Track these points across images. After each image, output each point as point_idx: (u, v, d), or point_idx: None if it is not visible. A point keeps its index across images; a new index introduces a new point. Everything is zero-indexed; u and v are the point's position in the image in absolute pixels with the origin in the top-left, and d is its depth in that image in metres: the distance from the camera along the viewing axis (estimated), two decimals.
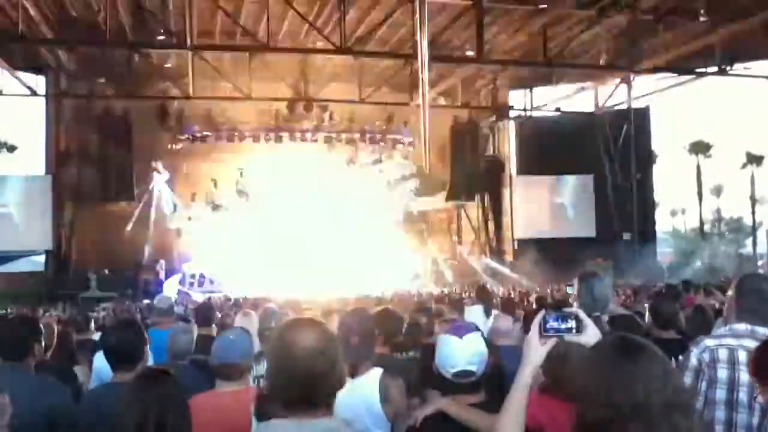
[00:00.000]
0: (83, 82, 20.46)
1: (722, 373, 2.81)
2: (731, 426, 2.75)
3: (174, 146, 21.64)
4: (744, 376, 2.74)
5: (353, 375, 3.06)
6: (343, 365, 1.76)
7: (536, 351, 1.97)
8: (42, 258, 21.77)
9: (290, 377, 1.68)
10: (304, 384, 1.67)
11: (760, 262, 29.76)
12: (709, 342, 2.91)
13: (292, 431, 1.66)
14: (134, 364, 3.06)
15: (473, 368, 2.47)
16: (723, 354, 2.82)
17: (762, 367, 2.05)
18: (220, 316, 7.11)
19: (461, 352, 2.47)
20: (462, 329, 2.57)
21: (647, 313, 4.50)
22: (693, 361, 2.87)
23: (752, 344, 2.73)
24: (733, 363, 2.80)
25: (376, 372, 3.08)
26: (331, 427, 1.67)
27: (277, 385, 1.72)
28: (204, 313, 5.77)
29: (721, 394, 2.79)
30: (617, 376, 1.58)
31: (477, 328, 2.64)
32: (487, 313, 6.16)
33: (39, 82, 21.34)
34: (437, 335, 2.69)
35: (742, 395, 2.76)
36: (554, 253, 20.05)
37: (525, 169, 25.23)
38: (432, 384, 2.67)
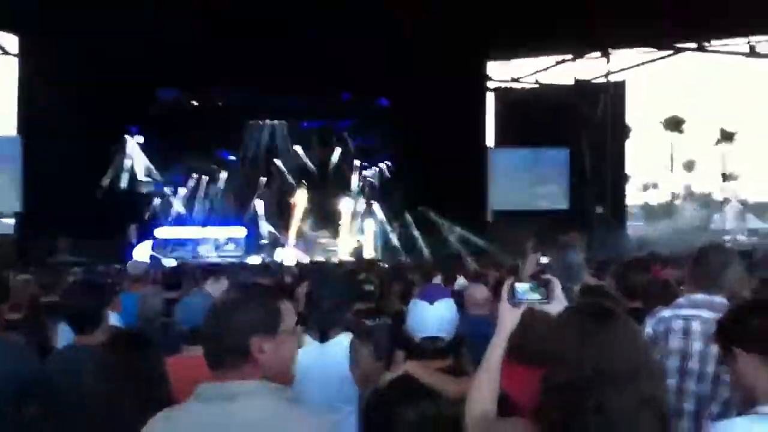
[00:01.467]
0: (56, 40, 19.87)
1: (675, 343, 2.87)
2: (681, 393, 2.82)
3: None
4: (696, 346, 2.81)
5: (323, 339, 3.08)
6: (259, 335, 1.70)
7: (508, 317, 1.99)
8: (12, 221, 21.42)
9: (206, 335, 1.75)
10: (208, 344, 1.73)
11: (727, 237, 30.43)
12: (665, 313, 2.96)
13: (201, 391, 1.69)
14: (94, 327, 3.02)
15: (442, 334, 2.49)
16: (677, 324, 2.88)
17: (724, 336, 2.09)
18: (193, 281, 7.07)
19: (431, 318, 2.50)
20: (434, 295, 2.59)
21: (613, 283, 4.57)
22: (648, 330, 2.93)
23: (708, 314, 2.79)
24: (686, 333, 2.86)
25: (346, 337, 3.11)
26: (237, 391, 1.64)
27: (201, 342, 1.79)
28: (172, 277, 5.73)
29: (673, 362, 2.86)
30: (586, 341, 1.60)
31: (449, 295, 2.66)
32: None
33: (11, 40, 20.79)
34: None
35: (692, 364, 2.82)
36: (529, 226, 20.19)
37: (502, 140, 25.27)
38: (401, 348, 2.70)
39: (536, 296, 2.02)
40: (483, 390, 1.92)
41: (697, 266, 2.99)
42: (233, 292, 1.80)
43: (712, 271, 2.92)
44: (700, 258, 3.00)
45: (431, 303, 2.52)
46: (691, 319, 2.87)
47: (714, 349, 2.77)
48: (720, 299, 2.85)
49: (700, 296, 2.91)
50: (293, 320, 1.80)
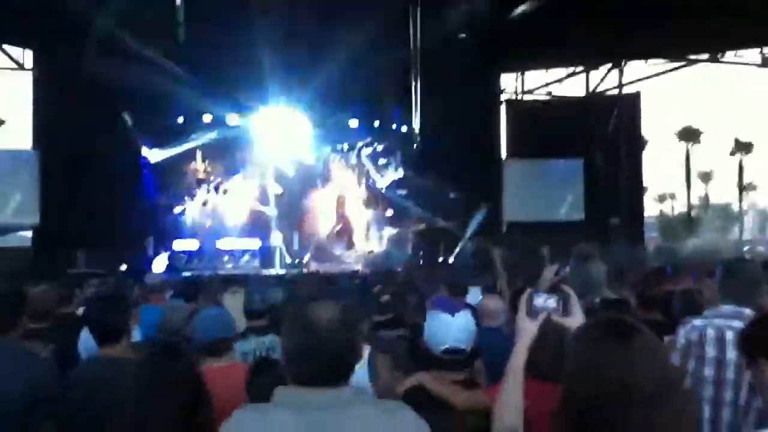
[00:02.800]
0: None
1: (710, 352, 2.84)
2: (718, 404, 2.79)
3: None
4: (731, 355, 2.78)
5: None
6: (361, 338, 1.80)
7: (527, 330, 1.99)
8: (29, 234, 21.64)
9: (313, 353, 1.66)
10: (328, 360, 1.67)
11: (746, 248, 30.07)
12: (697, 322, 2.94)
13: (313, 398, 1.66)
14: (118, 339, 3.06)
15: (462, 345, 2.49)
16: (711, 333, 2.86)
17: (749, 345, 2.09)
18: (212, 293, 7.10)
19: (453, 330, 2.49)
20: (454, 307, 2.59)
21: (632, 295, 4.53)
22: (681, 340, 2.91)
23: (739, 324, 2.77)
24: (721, 342, 2.83)
25: (365, 349, 3.11)
26: (347, 398, 1.68)
27: (298, 360, 1.70)
28: (189, 289, 5.77)
29: (709, 371, 2.83)
30: (608, 356, 1.57)
31: (468, 306, 2.67)
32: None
33: (26, 55, 21.11)
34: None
35: (730, 373, 2.79)
36: (544, 237, 20.08)
37: (515, 152, 25.24)
38: (418, 360, 2.69)
39: (554, 308, 2.02)
40: (509, 403, 1.91)
41: (726, 279, 2.98)
42: (330, 306, 1.73)
43: (743, 284, 2.90)
44: (728, 271, 2.98)
45: (452, 315, 2.52)
46: (723, 328, 2.85)
47: None
48: (749, 312, 2.83)
49: (729, 308, 2.89)
50: None
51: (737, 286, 2.90)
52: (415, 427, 1.73)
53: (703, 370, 2.82)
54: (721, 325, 2.86)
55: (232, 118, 21.34)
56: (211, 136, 21.55)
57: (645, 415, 1.51)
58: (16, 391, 2.85)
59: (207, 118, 21.24)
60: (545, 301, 2.01)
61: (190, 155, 21.97)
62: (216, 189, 23.31)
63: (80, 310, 5.89)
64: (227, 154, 22.76)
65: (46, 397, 2.94)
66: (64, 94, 18.99)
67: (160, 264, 19.79)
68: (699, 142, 46.29)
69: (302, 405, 1.64)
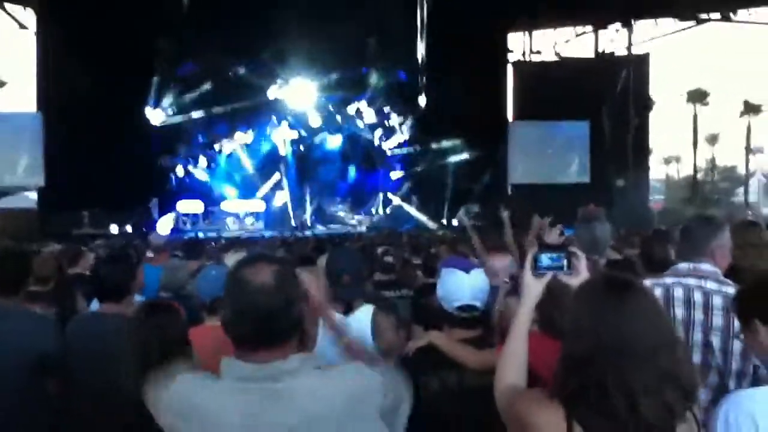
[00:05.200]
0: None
1: (679, 314, 2.82)
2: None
3: None
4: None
5: (347, 312, 3.07)
6: (302, 305, 1.70)
7: (532, 288, 1.97)
8: (34, 195, 21.71)
9: (243, 314, 1.64)
10: (258, 322, 1.63)
11: (749, 211, 29.93)
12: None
13: (248, 372, 1.62)
14: (121, 297, 3.07)
15: (477, 303, 2.47)
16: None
17: (743, 307, 2.08)
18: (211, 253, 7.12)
19: (467, 286, 2.47)
20: (468, 264, 2.57)
21: (637, 257, 4.50)
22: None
23: (692, 281, 2.77)
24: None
25: (368, 309, 3.10)
26: (286, 369, 1.62)
27: (231, 322, 1.66)
28: (192, 248, 5.77)
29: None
30: (605, 313, 1.58)
31: (481, 265, 2.65)
32: None
33: (29, 15, 20.87)
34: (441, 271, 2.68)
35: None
36: (549, 199, 20.05)
37: (522, 114, 25.02)
38: (429, 317, 2.68)
39: (559, 267, 1.99)
40: (512, 361, 1.90)
41: (681, 241, 2.96)
42: (266, 267, 1.67)
43: (695, 241, 2.87)
44: (684, 231, 2.96)
45: (467, 272, 2.50)
46: (673, 286, 2.80)
47: (698, 315, 2.73)
48: (706, 266, 2.79)
49: (684, 265, 2.85)
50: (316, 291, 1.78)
51: (691, 243, 2.87)
52: (364, 386, 1.68)
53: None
54: (669, 283, 2.83)
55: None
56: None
57: (636, 371, 1.51)
58: (21, 351, 2.91)
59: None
60: (551, 261, 1.99)
61: (197, 119, 21.82)
62: (221, 151, 23.25)
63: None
64: (237, 117, 22.60)
65: (50, 356, 2.98)
66: (68, 55, 18.80)
67: (164, 225, 19.86)
68: (707, 104, 45.78)
69: (247, 377, 1.61)
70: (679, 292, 2.78)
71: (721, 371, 2.64)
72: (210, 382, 1.65)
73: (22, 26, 21.01)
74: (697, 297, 2.75)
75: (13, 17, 20.63)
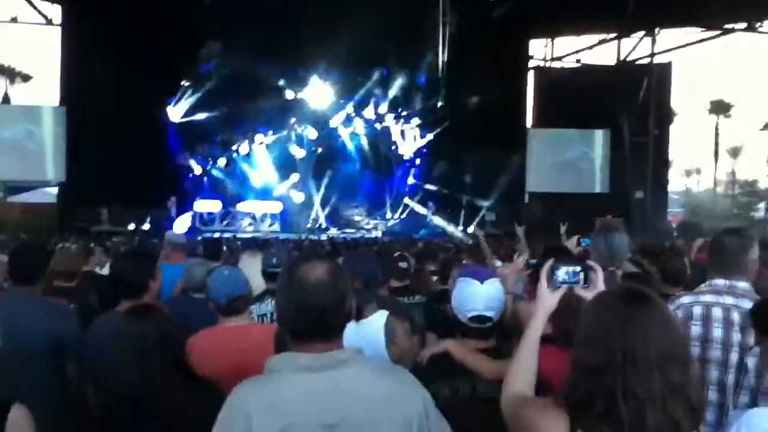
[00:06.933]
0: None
1: (695, 330, 2.80)
2: (703, 383, 2.75)
3: None
4: (717, 333, 2.73)
5: (358, 318, 3.07)
6: (353, 300, 1.82)
7: (547, 300, 1.96)
8: (55, 190, 21.95)
9: (301, 309, 1.75)
10: (315, 316, 1.75)
11: None
12: (685, 299, 2.89)
13: (307, 362, 1.72)
14: (140, 294, 3.09)
15: (491, 314, 2.46)
16: (697, 311, 2.80)
17: (761, 320, 2.06)
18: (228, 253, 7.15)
19: (482, 296, 2.46)
20: (482, 274, 2.56)
21: (654, 269, 4.46)
22: None
23: (730, 300, 2.74)
24: (705, 320, 2.79)
25: (382, 314, 3.09)
26: (342, 359, 1.74)
27: (288, 316, 1.79)
28: (212, 248, 5.79)
29: (693, 351, 2.79)
30: (618, 323, 1.57)
31: (495, 275, 2.63)
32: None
33: (55, 11, 21.14)
34: (456, 279, 2.67)
35: (714, 352, 2.75)
36: (566, 208, 19.94)
37: (541, 121, 24.88)
38: (442, 327, 2.67)
39: (576, 281, 1.98)
40: (520, 371, 1.90)
41: (714, 253, 2.92)
42: (320, 265, 1.79)
43: (731, 256, 2.84)
44: (717, 244, 2.93)
45: (481, 281, 2.49)
46: (711, 305, 2.80)
47: (737, 336, 2.71)
48: (743, 284, 2.78)
49: (721, 282, 2.83)
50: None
51: (726, 260, 2.84)
52: (413, 387, 1.82)
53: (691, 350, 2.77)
54: (709, 302, 2.80)
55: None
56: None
57: (645, 382, 1.51)
58: (41, 335, 3.09)
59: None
60: (568, 274, 1.98)
61: (217, 118, 21.95)
62: (238, 152, 23.35)
63: (99, 269, 5.96)
64: (256, 117, 22.69)
65: (68, 341, 3.14)
66: (92, 51, 19.01)
67: (182, 224, 19.98)
68: (730, 116, 45.29)
69: (307, 366, 1.73)
70: (717, 312, 2.78)
71: (754, 392, 2.61)
72: (270, 378, 1.76)
73: (48, 21, 21.27)
74: (735, 317, 2.74)
75: (40, 12, 20.90)
